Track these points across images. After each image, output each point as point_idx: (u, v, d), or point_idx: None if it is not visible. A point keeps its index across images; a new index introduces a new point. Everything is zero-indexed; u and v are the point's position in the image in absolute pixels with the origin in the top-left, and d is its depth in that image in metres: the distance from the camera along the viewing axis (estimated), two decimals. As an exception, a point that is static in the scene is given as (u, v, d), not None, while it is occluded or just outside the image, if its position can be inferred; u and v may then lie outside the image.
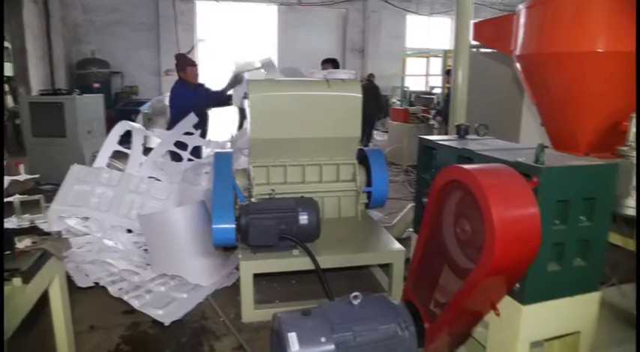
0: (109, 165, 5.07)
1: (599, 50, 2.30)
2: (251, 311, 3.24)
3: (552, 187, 1.77)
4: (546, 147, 2.70)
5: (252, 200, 3.59)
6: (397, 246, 3.50)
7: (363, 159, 4.14)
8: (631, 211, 2.28)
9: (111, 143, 5.11)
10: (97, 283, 3.60)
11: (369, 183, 4.04)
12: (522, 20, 2.65)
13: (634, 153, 2.22)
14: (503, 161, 1.90)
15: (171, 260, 3.67)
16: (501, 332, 2.05)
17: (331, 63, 6.99)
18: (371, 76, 12.74)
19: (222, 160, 3.72)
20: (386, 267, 3.59)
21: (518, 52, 2.67)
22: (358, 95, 3.88)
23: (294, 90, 3.95)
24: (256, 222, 3.22)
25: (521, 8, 2.69)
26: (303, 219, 3.33)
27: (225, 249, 3.85)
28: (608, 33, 2.29)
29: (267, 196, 3.59)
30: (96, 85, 12.37)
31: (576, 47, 2.35)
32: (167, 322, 3.13)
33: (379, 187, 4.00)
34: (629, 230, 2.63)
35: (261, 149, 3.91)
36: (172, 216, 3.71)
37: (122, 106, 11.91)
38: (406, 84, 13.89)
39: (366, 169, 4.08)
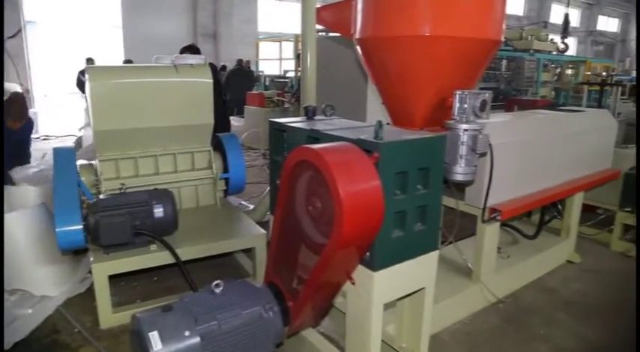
0: None
1: (427, 34, 2.52)
2: (109, 316, 3.03)
3: (391, 160, 1.92)
4: (388, 123, 2.94)
5: (101, 197, 3.31)
6: (258, 229, 3.53)
7: (218, 145, 4.07)
8: (460, 177, 2.57)
9: None
10: None
11: (226, 170, 4.00)
12: (360, 5, 2.80)
13: (459, 126, 2.50)
14: (346, 139, 2.01)
15: (9, 272, 3.24)
16: (358, 298, 2.20)
17: (190, 50, 6.69)
18: (240, 61, 12.61)
19: (63, 156, 3.36)
20: (250, 252, 3.61)
21: (357, 35, 2.82)
22: (208, 80, 3.78)
23: (140, 76, 3.70)
24: (107, 220, 2.99)
25: (358, -6, 2.84)
26: (158, 211, 3.19)
27: (76, 252, 3.52)
28: (433, 19, 2.53)
29: (118, 191, 3.35)
30: None
31: (407, 31, 2.55)
32: (8, 344, 2.76)
33: (236, 173, 3.98)
34: (459, 193, 3.00)
35: (108, 141, 3.62)
36: (7, 223, 3.26)
37: None
38: (260, 68, 13.92)
39: (222, 155, 4.02)
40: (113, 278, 3.08)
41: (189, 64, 3.81)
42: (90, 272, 3.24)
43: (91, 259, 3.03)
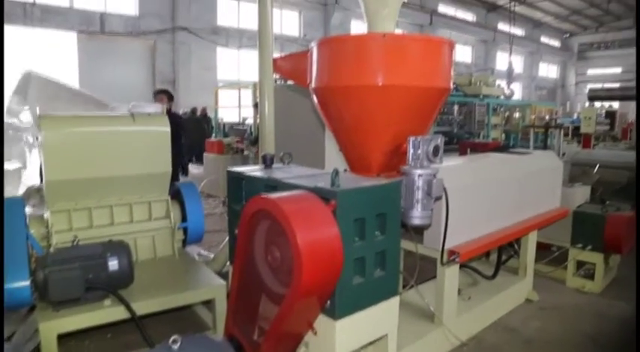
0: None
1: (379, 84, 2.63)
2: (57, 380, 2.82)
3: (348, 208, 1.94)
4: (345, 170, 3.00)
5: (52, 250, 3.17)
6: (217, 280, 3.43)
7: (176, 194, 4.00)
8: (417, 221, 2.61)
9: None
10: None
11: (184, 219, 3.92)
12: (315, 56, 2.90)
13: (414, 171, 2.57)
14: (304, 187, 2.03)
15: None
16: (320, 348, 2.15)
17: (165, 93, 6.73)
18: (194, 109, 12.72)
19: (11, 207, 3.21)
20: (209, 304, 3.49)
21: (313, 85, 2.91)
22: (166, 129, 3.76)
23: (95, 126, 3.64)
24: (57, 275, 2.84)
25: (313, 46, 2.95)
26: (113, 264, 3.06)
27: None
28: (385, 69, 2.65)
29: (70, 244, 3.20)
30: None
31: (360, 81, 2.66)
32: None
33: (195, 222, 3.91)
34: (418, 237, 3.05)
35: (60, 192, 3.49)
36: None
37: None
38: (220, 115, 13.98)
39: (180, 204, 3.95)
40: (63, 338, 2.89)
41: (146, 113, 3.79)
42: (37, 331, 3.04)
43: (39, 317, 2.85)
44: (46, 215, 3.48)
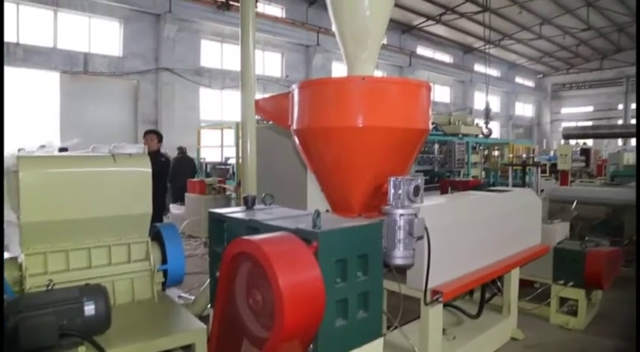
0: None
1: (360, 125, 2.69)
2: None
3: (330, 249, 1.94)
4: (327, 211, 3.01)
5: (25, 295, 3.06)
6: (198, 324, 3.33)
7: (156, 235, 3.94)
8: (399, 261, 2.61)
9: None
10: None
11: (164, 261, 3.85)
12: (296, 98, 2.96)
13: (395, 211, 2.59)
14: (285, 229, 2.03)
15: None
16: (303, 395, 2.09)
17: (155, 134, 6.74)
18: (181, 148, 12.70)
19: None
20: (190, 349, 3.39)
21: (295, 126, 2.95)
22: (147, 170, 3.74)
23: (75, 166, 3.61)
24: (29, 321, 2.73)
25: (295, 88, 3.02)
26: (89, 309, 2.96)
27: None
28: (365, 111, 2.71)
29: (45, 288, 3.11)
30: None
31: (341, 123, 2.71)
32: None
33: (175, 264, 3.83)
34: (401, 276, 3.03)
35: (36, 234, 3.41)
36: None
37: None
38: (202, 155, 13.98)
39: (161, 245, 3.89)
40: (33, 390, 2.76)
41: (127, 153, 3.78)
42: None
43: (8, 368, 2.73)
44: (21, 258, 3.38)
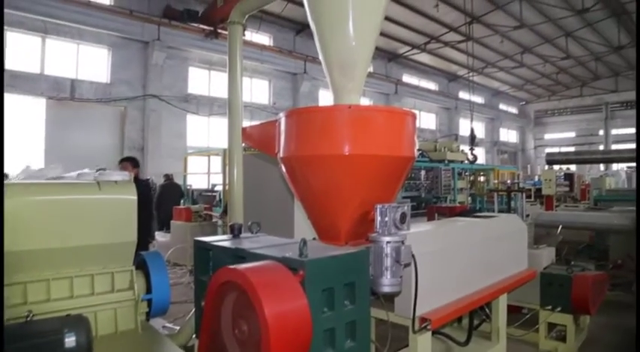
0: None
1: (346, 153, 2.71)
2: None
3: (317, 278, 1.93)
4: (314, 238, 3.00)
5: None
6: (182, 355, 3.28)
7: (141, 263, 3.88)
8: (387, 288, 2.60)
9: None
10: None
11: (149, 290, 3.78)
12: (283, 126, 2.98)
13: (382, 238, 2.59)
14: (272, 257, 2.02)
15: None
16: None
17: (130, 161, 6.67)
18: (168, 175, 12.64)
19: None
20: (173, 381, 3.30)
21: (281, 154, 2.97)
22: (132, 198, 3.71)
23: (60, 193, 3.56)
24: (6, 356, 2.66)
25: (282, 116, 3.05)
26: (70, 341, 2.87)
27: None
28: (352, 139, 2.74)
29: (24, 319, 3.02)
30: None
31: (328, 151, 2.74)
32: None
33: (160, 293, 3.77)
34: (389, 304, 3.01)
35: (18, 263, 3.34)
36: None
37: None
38: (189, 182, 13.91)
39: (145, 274, 3.83)
40: None
41: (113, 180, 3.75)
42: None
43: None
44: (0, 289, 3.30)
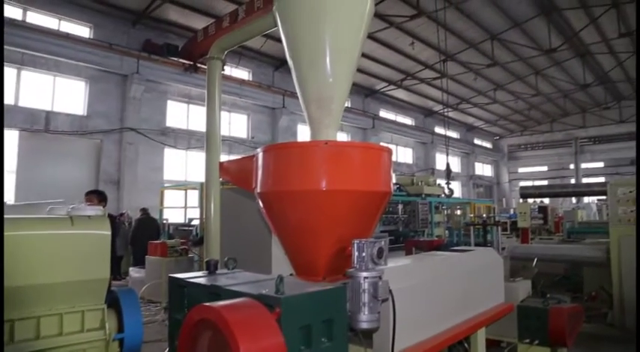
0: None
1: (323, 188, 2.72)
2: None
3: (293, 315, 1.90)
4: (291, 274, 2.97)
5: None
6: (154, 398, 3.15)
7: (113, 301, 3.77)
8: (364, 324, 2.57)
9: None
10: None
11: (121, 329, 3.65)
12: (260, 162, 2.99)
13: (359, 274, 2.58)
14: (248, 295, 1.99)
15: None
16: None
17: (95, 194, 6.52)
18: (145, 209, 12.49)
19: None
20: None
21: (258, 189, 2.96)
22: (106, 233, 3.64)
23: (29, 229, 3.46)
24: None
25: (259, 151, 3.06)
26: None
27: None
28: (328, 175, 2.76)
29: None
30: None
31: (304, 186, 2.75)
32: None
33: (133, 332, 3.65)
34: (367, 341, 2.97)
35: (-20, 303, 3.20)
36: None
37: None
38: (165, 216, 13.70)
39: (117, 313, 3.71)
40: None
41: (86, 215, 3.67)
42: None
43: None
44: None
